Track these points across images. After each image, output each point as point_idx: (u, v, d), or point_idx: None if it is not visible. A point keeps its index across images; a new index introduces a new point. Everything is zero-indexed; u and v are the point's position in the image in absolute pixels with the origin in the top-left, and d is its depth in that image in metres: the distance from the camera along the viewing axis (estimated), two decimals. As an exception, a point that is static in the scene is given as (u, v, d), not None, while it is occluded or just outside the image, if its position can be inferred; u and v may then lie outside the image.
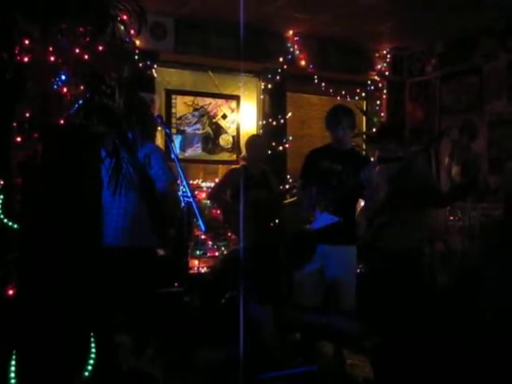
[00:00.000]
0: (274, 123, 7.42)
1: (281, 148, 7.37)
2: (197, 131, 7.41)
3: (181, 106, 7.31)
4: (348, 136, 4.96)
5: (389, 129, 5.71)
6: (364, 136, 7.89)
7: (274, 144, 7.28)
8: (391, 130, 5.63)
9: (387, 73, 8.08)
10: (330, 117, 4.95)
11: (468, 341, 5.22)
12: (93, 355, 3.27)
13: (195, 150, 7.41)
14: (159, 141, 6.90)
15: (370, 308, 5.44)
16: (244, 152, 6.18)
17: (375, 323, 5.48)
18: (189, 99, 7.35)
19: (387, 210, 5.21)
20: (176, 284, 5.69)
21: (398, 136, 5.49)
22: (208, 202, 6.64)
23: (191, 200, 3.87)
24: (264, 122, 7.45)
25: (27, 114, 2.99)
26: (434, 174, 5.62)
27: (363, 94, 8.15)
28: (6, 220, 3.23)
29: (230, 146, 7.53)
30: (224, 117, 7.54)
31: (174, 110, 7.27)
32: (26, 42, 2.97)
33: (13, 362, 3.05)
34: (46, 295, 3.13)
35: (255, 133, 7.33)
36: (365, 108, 8.20)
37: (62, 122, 3.04)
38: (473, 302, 5.92)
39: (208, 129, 7.47)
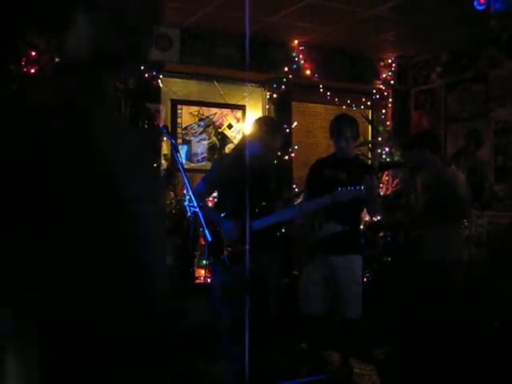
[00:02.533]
0: (280, 132, 7.43)
1: (286, 157, 7.38)
2: (202, 141, 7.43)
3: (186, 116, 7.33)
4: (351, 145, 4.96)
5: (423, 137, 5.65)
6: (369, 145, 7.90)
7: (279, 153, 7.29)
8: (426, 137, 5.59)
9: (392, 81, 8.08)
10: (334, 126, 4.96)
11: (477, 349, 5.20)
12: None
13: (201, 160, 7.42)
14: (165, 151, 6.93)
15: (380, 316, 5.43)
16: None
17: (388, 332, 5.47)
18: (194, 109, 7.37)
19: (424, 221, 5.18)
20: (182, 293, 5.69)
21: (433, 144, 5.45)
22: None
23: (197, 210, 3.87)
24: (269, 131, 7.45)
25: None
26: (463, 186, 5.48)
27: (368, 103, 8.15)
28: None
29: (235, 155, 7.53)
30: (230, 127, 7.56)
31: (179, 120, 7.29)
32: (33, 53, 2.99)
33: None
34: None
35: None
36: (370, 117, 8.20)
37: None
38: (480, 310, 5.90)
39: (214, 139, 7.48)
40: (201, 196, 4.22)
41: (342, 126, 4.89)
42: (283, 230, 5.85)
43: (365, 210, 5.15)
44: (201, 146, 7.41)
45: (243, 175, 3.75)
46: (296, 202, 6.23)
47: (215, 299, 4.44)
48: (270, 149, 4.51)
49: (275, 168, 4.60)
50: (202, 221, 3.78)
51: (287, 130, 7.40)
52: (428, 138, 5.53)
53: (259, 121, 4.86)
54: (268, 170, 4.50)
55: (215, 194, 4.87)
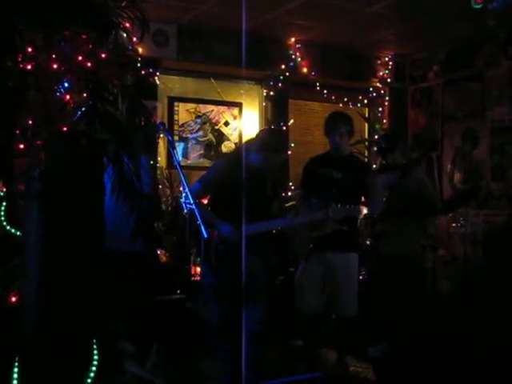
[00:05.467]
0: (277, 130, 7.41)
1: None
2: (199, 138, 7.42)
3: (183, 113, 7.32)
4: (346, 142, 4.94)
5: (393, 137, 5.73)
6: (366, 143, 7.89)
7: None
8: (395, 138, 5.66)
9: (389, 80, 8.07)
10: (328, 123, 4.96)
11: (473, 347, 5.21)
12: (95, 362, 3.27)
13: (197, 157, 7.41)
14: (161, 148, 6.92)
15: (373, 314, 5.45)
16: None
17: (379, 329, 5.48)
18: (191, 106, 7.36)
19: (386, 217, 5.26)
20: (178, 291, 5.69)
21: (401, 144, 5.55)
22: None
23: (193, 206, 3.86)
24: (266, 128, 7.44)
25: (30, 122, 3.00)
26: (430, 185, 5.59)
27: (365, 101, 8.14)
28: (8, 227, 3.23)
29: (232, 153, 7.52)
30: (226, 124, 7.55)
31: (176, 118, 7.28)
32: (29, 49, 2.99)
33: (15, 369, 3.06)
34: (49, 302, 3.13)
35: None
36: (367, 115, 8.19)
37: (64, 129, 3.05)
38: (476, 308, 5.91)
39: (210, 136, 7.48)
40: (197, 196, 4.12)
41: (336, 123, 4.88)
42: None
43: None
44: (197, 143, 7.40)
45: (241, 182, 3.71)
46: (290, 204, 6.21)
47: (204, 298, 4.45)
48: (272, 162, 4.38)
49: (271, 172, 4.53)
50: (199, 217, 3.77)
51: (284, 128, 7.39)
52: (399, 140, 5.68)
53: (267, 132, 4.83)
54: (266, 179, 4.41)
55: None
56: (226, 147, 7.49)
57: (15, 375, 3.03)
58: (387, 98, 8.15)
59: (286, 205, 6.26)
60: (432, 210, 5.44)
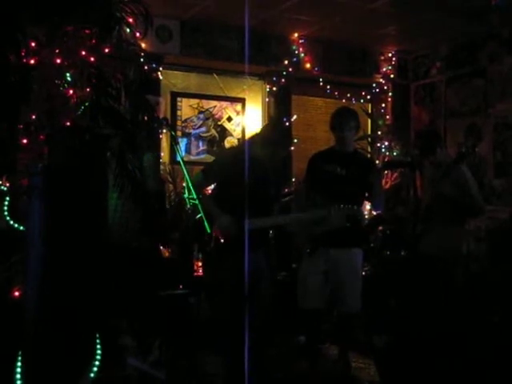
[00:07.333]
0: (279, 126, 7.41)
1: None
2: (202, 134, 7.42)
3: (186, 108, 7.32)
4: (351, 137, 4.92)
5: (431, 136, 5.62)
6: (369, 139, 7.89)
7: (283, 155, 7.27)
8: (433, 136, 5.57)
9: (392, 75, 8.06)
10: (334, 118, 4.94)
11: (476, 344, 5.21)
12: (98, 357, 3.28)
13: (200, 153, 7.42)
14: (165, 143, 6.93)
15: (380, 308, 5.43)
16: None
17: (386, 325, 5.47)
18: (194, 102, 7.37)
19: (429, 216, 5.16)
20: (181, 286, 5.70)
21: (441, 142, 5.46)
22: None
23: (197, 202, 3.86)
24: (269, 124, 7.44)
25: (33, 116, 3.00)
26: (474, 185, 5.34)
27: (368, 97, 8.13)
28: (11, 221, 3.24)
29: (235, 148, 7.52)
30: (229, 119, 7.55)
31: (179, 113, 7.28)
32: (33, 44, 2.98)
33: (19, 363, 3.06)
34: (52, 296, 3.13)
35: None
36: (370, 111, 8.19)
37: (68, 123, 3.05)
38: (479, 305, 5.91)
39: (213, 131, 7.48)
40: (199, 187, 4.15)
41: (342, 119, 4.86)
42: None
43: (365, 202, 5.15)
44: (200, 139, 7.41)
45: (244, 176, 3.72)
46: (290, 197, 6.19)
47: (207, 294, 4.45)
48: (275, 156, 4.39)
49: (275, 170, 4.53)
50: (202, 213, 3.77)
51: (287, 124, 7.39)
52: (438, 136, 5.58)
53: (269, 125, 4.83)
54: (269, 174, 4.39)
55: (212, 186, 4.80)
56: (229, 143, 7.49)
57: (18, 369, 3.04)
58: (390, 94, 8.15)
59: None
60: (475, 210, 5.32)
